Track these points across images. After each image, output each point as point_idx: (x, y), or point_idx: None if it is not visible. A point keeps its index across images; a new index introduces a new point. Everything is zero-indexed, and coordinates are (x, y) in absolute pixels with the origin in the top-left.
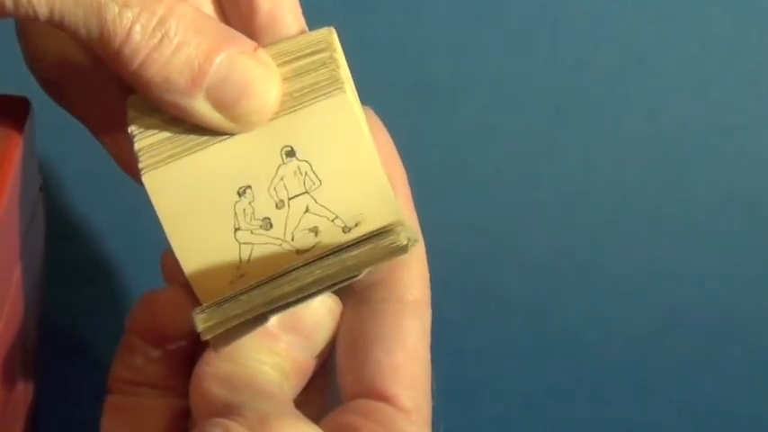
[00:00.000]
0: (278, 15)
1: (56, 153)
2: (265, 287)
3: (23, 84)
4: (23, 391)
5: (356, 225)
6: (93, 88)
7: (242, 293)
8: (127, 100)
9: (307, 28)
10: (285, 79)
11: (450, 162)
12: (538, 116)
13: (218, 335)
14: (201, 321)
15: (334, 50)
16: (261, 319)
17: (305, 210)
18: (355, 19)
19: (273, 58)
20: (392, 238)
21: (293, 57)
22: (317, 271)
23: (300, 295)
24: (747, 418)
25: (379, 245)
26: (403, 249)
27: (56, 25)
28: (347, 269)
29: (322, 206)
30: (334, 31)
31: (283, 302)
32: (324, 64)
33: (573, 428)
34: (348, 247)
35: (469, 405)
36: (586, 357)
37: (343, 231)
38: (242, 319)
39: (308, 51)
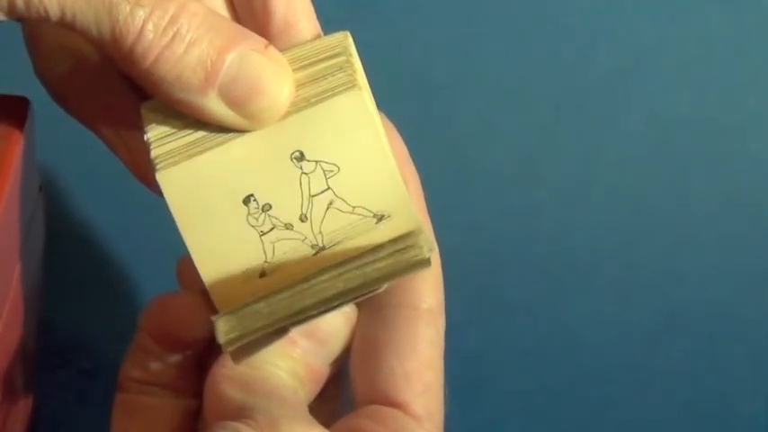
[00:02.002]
0: (293, 21)
1: (56, 153)
2: (287, 300)
3: (23, 84)
4: (23, 391)
5: (384, 217)
6: (104, 98)
7: (262, 304)
8: (141, 105)
9: (322, 33)
10: (301, 84)
11: (450, 162)
12: (538, 116)
13: (239, 347)
14: (223, 334)
15: (350, 54)
16: (282, 331)
17: (327, 205)
18: (355, 19)
19: (289, 63)
20: (415, 251)
21: (309, 61)
22: (340, 284)
23: (322, 308)
24: (747, 417)
25: (401, 258)
26: (426, 263)
27: (67, 26)
28: (370, 283)
29: (343, 200)
30: (349, 35)
31: (305, 315)
32: (340, 68)
33: (573, 428)
34: (371, 260)
35: (469, 405)
36: (586, 357)
37: (375, 222)
38: (263, 332)
39: (323, 56)
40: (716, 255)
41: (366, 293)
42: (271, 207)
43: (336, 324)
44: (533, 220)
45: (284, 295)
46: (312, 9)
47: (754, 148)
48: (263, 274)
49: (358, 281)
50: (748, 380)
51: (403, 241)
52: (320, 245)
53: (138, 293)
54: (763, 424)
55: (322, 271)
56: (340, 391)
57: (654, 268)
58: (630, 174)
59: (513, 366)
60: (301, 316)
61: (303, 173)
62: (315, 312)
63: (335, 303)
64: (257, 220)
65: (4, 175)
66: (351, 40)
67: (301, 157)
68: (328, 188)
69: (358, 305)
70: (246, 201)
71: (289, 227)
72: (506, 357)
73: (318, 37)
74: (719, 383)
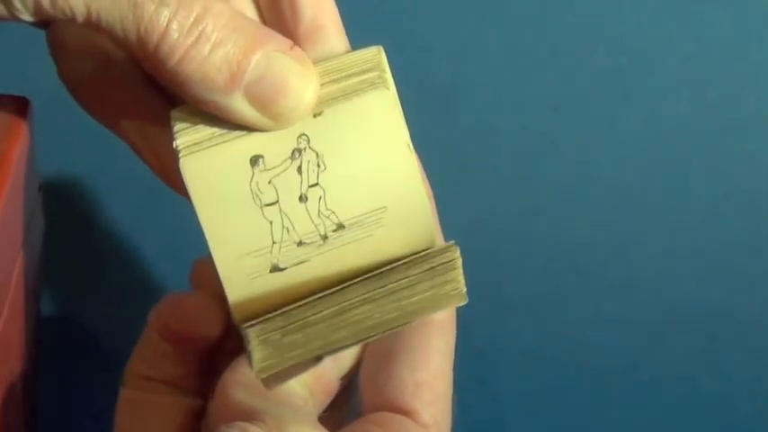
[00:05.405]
0: (321, 23)
1: (56, 153)
2: (323, 329)
3: (23, 84)
4: (23, 391)
5: (396, 214)
6: (130, 100)
7: (299, 335)
8: (170, 112)
9: (347, 38)
10: (333, 98)
11: (450, 162)
12: (537, 115)
13: (272, 374)
14: (258, 361)
15: (383, 70)
16: (316, 359)
17: (321, 200)
18: (355, 19)
19: (321, 77)
20: (453, 285)
21: (341, 75)
22: (376, 315)
23: (358, 339)
24: (747, 418)
25: (439, 292)
26: (463, 297)
27: (92, 25)
28: (406, 315)
29: (334, 200)
30: (382, 50)
31: (340, 345)
32: (372, 84)
33: (573, 428)
34: (408, 294)
35: (469, 405)
36: (586, 357)
37: (382, 217)
38: (298, 361)
39: (355, 71)
40: (716, 254)
41: (401, 326)
42: (285, 200)
43: None
44: (533, 220)
45: (320, 325)
46: (338, 13)
47: (753, 148)
48: (274, 268)
49: (394, 313)
50: (748, 380)
51: (441, 276)
52: (323, 232)
53: (137, 293)
54: (763, 424)
55: (353, 292)
56: (350, 405)
57: (654, 268)
58: (630, 174)
59: (513, 366)
60: (336, 345)
61: (308, 159)
62: (350, 342)
63: (371, 335)
64: (272, 211)
65: (4, 174)
66: (384, 55)
67: (309, 141)
68: (330, 179)
69: None
70: (264, 192)
71: (299, 220)
72: (506, 357)
73: (348, 49)
74: (719, 383)
